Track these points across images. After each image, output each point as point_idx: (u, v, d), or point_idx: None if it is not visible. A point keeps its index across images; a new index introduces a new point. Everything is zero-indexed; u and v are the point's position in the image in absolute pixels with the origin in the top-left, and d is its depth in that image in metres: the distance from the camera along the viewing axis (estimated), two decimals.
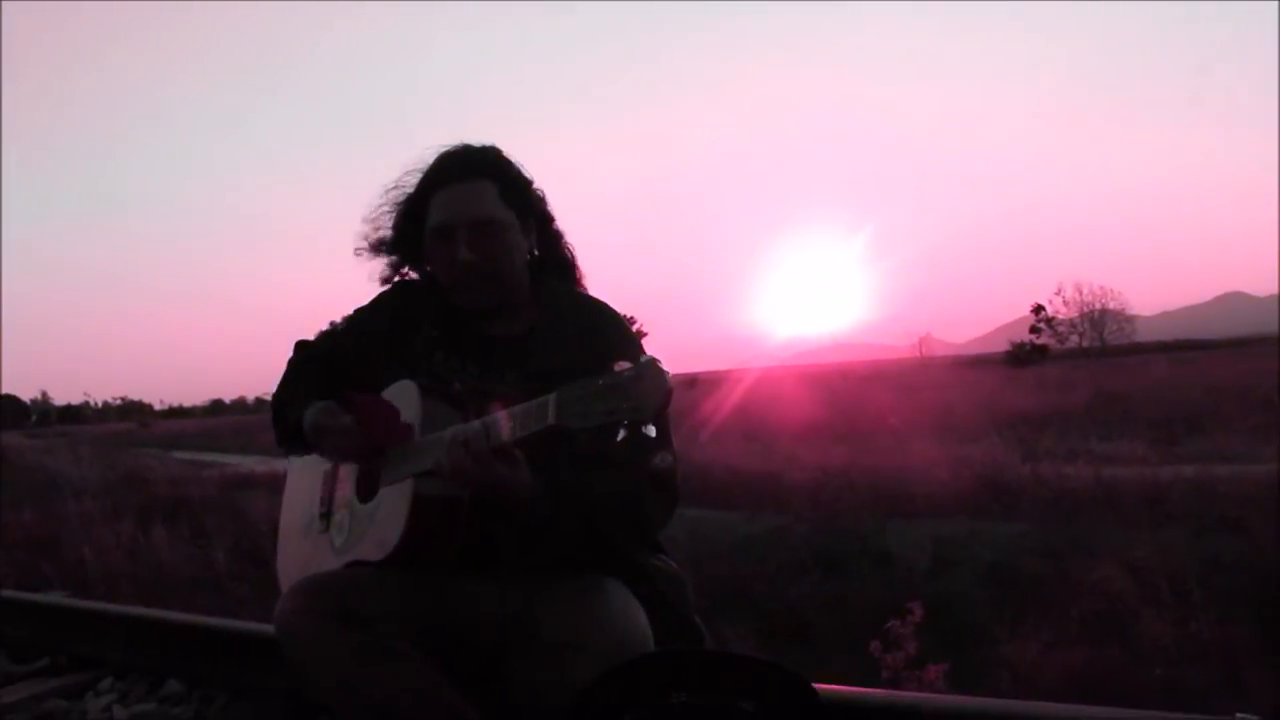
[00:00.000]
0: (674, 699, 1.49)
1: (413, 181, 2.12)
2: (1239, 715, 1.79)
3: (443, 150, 2.10)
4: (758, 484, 11.21)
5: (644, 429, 1.51)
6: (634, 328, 2.28)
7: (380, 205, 2.18)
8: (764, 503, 10.62)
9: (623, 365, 1.51)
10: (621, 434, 1.51)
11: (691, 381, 42.29)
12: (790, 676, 1.52)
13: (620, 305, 2.15)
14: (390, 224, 2.17)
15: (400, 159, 2.16)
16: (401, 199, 2.14)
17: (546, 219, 2.17)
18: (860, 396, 23.20)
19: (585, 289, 2.23)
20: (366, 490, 2.02)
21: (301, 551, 2.18)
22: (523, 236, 2.08)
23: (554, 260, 2.21)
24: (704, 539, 9.27)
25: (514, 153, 2.12)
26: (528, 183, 2.11)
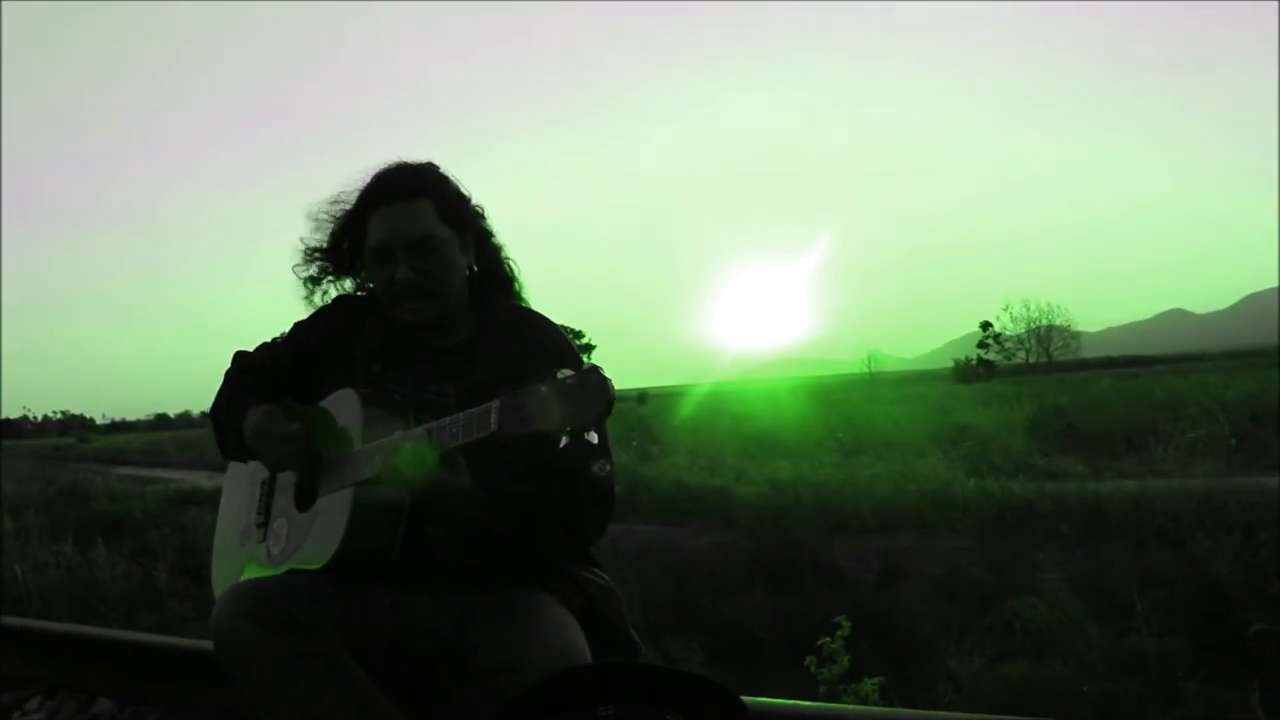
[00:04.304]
0: (601, 712, 1.48)
1: (351, 200, 2.11)
2: None
3: (380, 169, 2.10)
4: (706, 499, 11.23)
5: (586, 436, 1.52)
6: (581, 342, 2.30)
7: (319, 222, 2.18)
8: (712, 518, 10.65)
9: (565, 373, 1.51)
10: (564, 441, 1.51)
11: (641, 397, 42.34)
12: (717, 689, 1.52)
13: (569, 319, 2.17)
14: (327, 240, 2.17)
15: (346, 168, 2.15)
16: (340, 217, 2.13)
17: (484, 234, 2.17)
18: (809, 412, 23.31)
19: (525, 302, 2.24)
20: (305, 499, 2.01)
21: (237, 560, 2.17)
22: (461, 253, 2.08)
23: (493, 275, 2.21)
24: (652, 554, 9.28)
25: (454, 168, 2.13)
26: (465, 199, 2.12)
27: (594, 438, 1.53)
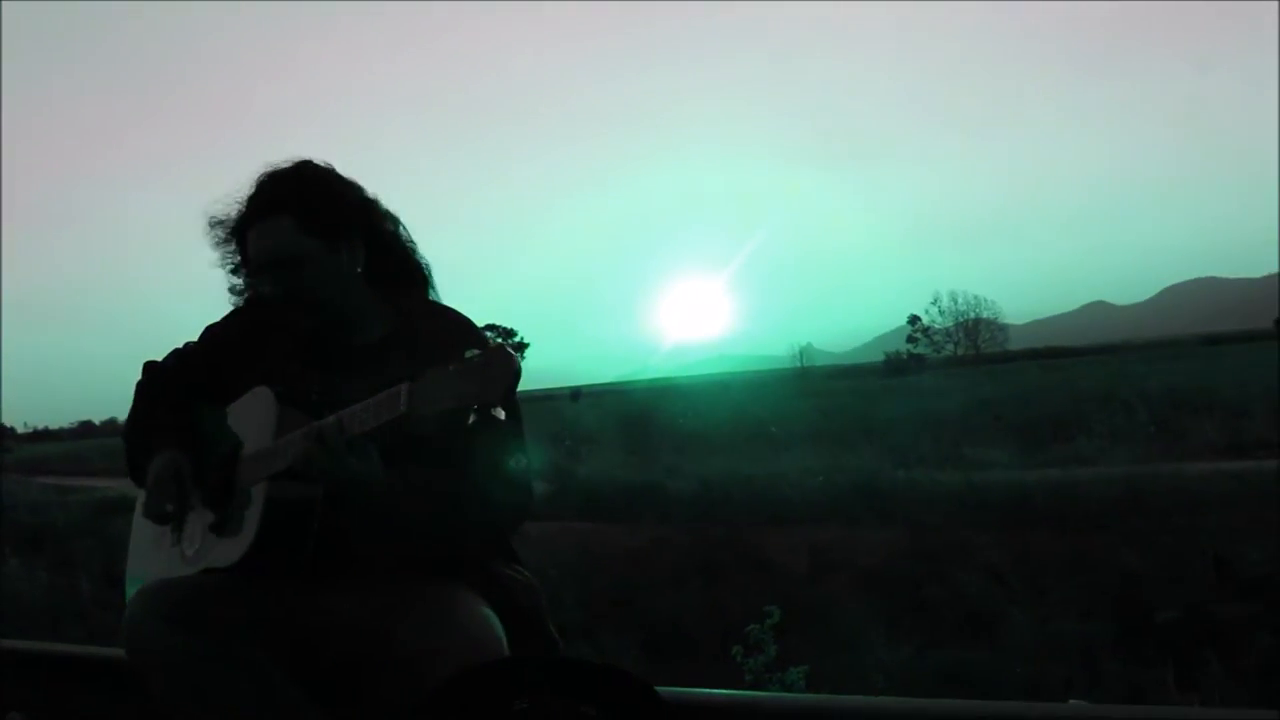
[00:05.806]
0: (515, 706, 1.48)
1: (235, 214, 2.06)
2: (1071, 701, 1.87)
3: (254, 179, 2.02)
4: (640, 495, 11.27)
5: (493, 412, 1.55)
6: (515, 340, 2.28)
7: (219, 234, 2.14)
8: (646, 514, 10.68)
9: (473, 352, 1.54)
10: (472, 418, 1.54)
11: (574, 394, 42.34)
12: (632, 680, 1.52)
13: (502, 318, 2.14)
14: (225, 256, 2.13)
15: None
16: (229, 231, 2.08)
17: (374, 231, 2.09)
18: (740, 407, 23.47)
19: (434, 294, 2.20)
20: (220, 497, 1.98)
21: (152, 565, 2.12)
22: (335, 259, 2.00)
23: (401, 271, 2.16)
24: (586, 551, 9.29)
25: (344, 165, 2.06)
26: (333, 202, 2.01)
27: (500, 414, 1.57)
